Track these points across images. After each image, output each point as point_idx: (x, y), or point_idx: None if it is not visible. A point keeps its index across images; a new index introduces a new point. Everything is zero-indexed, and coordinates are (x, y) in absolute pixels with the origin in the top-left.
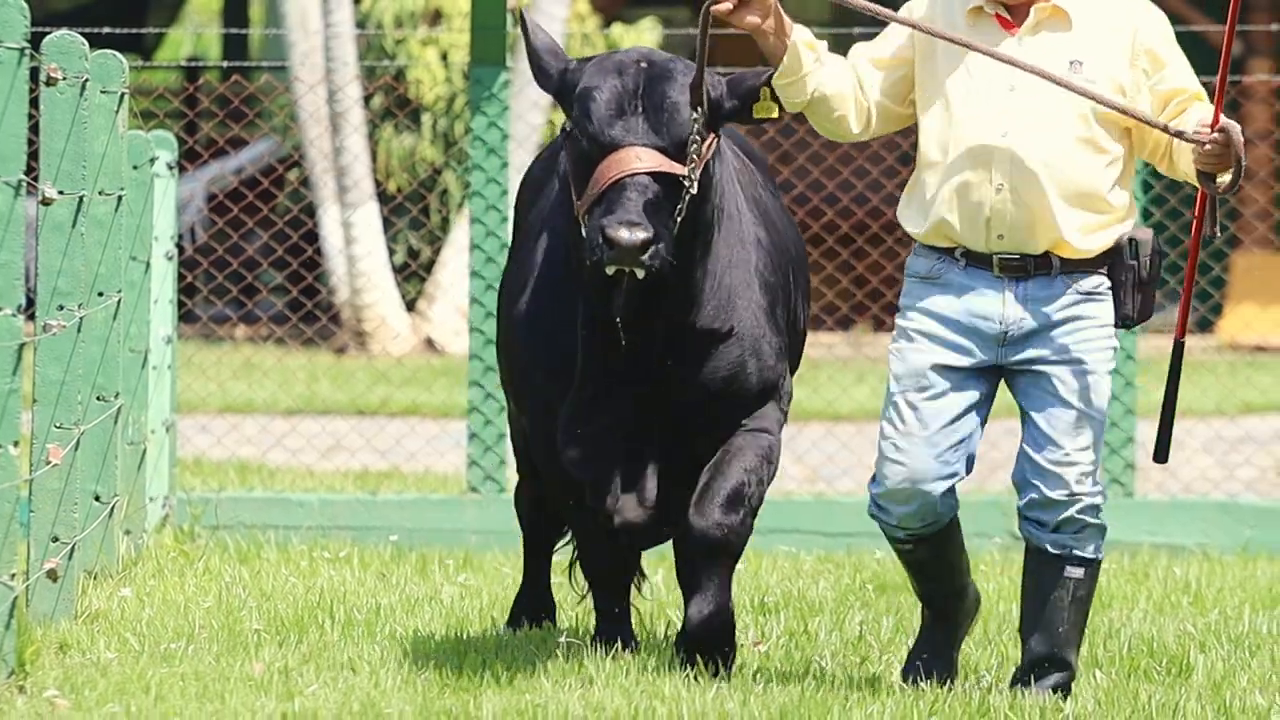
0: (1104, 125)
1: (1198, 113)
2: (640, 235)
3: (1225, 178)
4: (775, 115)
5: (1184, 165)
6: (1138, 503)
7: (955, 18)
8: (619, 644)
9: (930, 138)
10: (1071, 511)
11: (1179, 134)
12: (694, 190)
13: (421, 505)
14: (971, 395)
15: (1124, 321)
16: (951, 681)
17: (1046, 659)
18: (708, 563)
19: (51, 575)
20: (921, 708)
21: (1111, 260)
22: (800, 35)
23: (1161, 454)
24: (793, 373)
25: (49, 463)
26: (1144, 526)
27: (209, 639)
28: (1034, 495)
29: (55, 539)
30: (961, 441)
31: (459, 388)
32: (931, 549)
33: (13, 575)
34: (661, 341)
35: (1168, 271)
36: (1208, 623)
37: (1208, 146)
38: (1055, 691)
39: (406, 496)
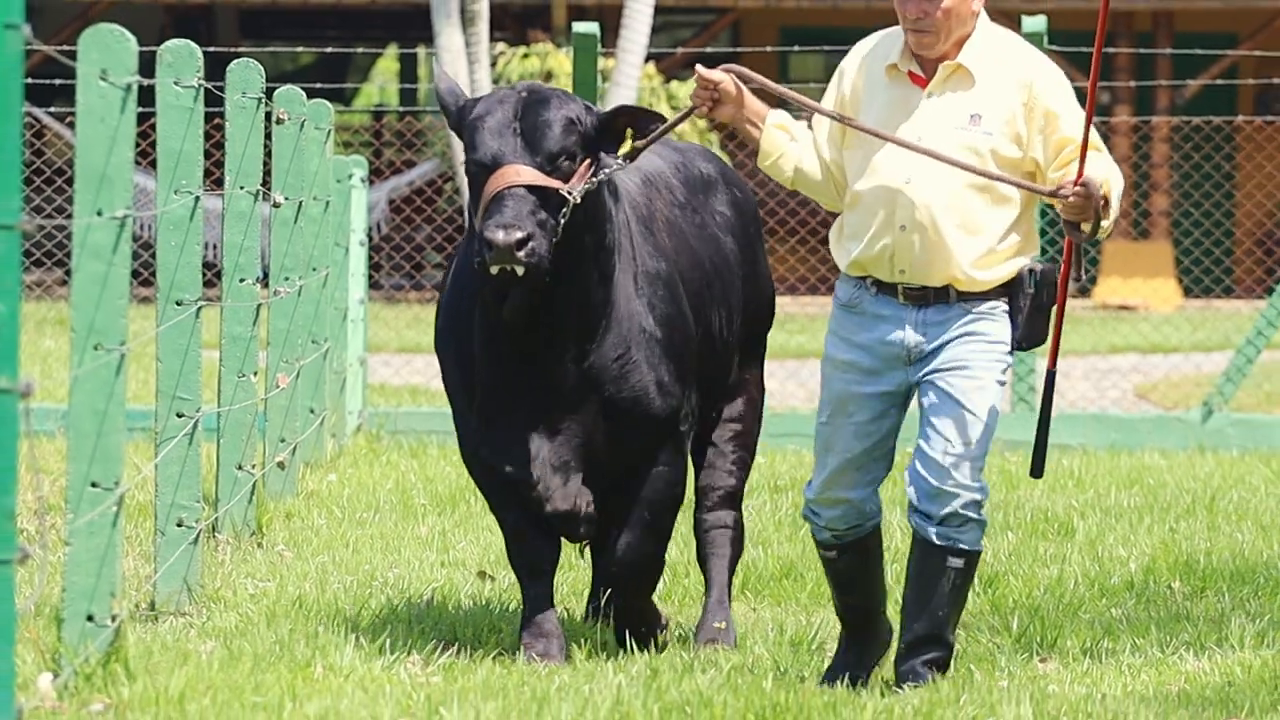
0: (1002, 170)
1: (1088, 162)
2: (515, 235)
3: (1088, 227)
4: (628, 150)
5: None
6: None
7: (875, 75)
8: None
9: (852, 181)
10: (955, 506)
11: (1049, 191)
12: (577, 200)
13: None
14: (888, 416)
15: (1017, 344)
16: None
17: (927, 638)
18: (620, 594)
19: (280, 465)
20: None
21: (1011, 290)
22: (774, 119)
23: (1037, 471)
24: (721, 385)
25: (278, 387)
26: None
27: (389, 510)
28: (922, 486)
29: (283, 440)
30: (883, 455)
31: None
32: (853, 559)
33: (254, 465)
34: (563, 364)
35: None
36: (1086, 498)
37: (1070, 199)
38: (934, 667)
39: None
